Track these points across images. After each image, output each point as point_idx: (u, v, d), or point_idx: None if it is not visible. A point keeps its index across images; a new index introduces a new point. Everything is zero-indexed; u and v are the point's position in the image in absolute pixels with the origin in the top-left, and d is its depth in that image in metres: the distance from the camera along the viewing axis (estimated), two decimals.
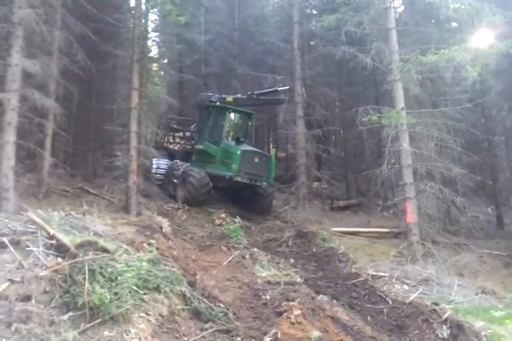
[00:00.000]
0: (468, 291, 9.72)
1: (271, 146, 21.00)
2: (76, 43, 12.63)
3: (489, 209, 22.14)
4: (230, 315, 6.07)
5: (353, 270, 10.04)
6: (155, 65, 22.79)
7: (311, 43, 21.13)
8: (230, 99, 17.23)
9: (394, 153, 12.30)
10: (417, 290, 9.16)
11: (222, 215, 13.66)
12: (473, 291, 9.76)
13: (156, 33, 24.91)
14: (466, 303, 8.87)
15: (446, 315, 7.23)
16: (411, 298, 8.21)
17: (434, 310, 7.45)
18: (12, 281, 4.97)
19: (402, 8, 17.84)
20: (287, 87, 17.43)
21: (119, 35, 17.00)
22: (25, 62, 10.35)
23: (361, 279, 9.20)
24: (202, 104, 17.39)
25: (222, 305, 6.26)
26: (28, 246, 5.55)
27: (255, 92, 17.40)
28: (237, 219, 13.59)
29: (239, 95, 17.76)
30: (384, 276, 9.96)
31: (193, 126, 17.52)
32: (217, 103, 16.86)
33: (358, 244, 13.38)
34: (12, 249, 5.52)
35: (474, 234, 14.88)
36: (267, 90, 17.71)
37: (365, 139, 21.03)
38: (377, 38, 13.16)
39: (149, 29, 19.64)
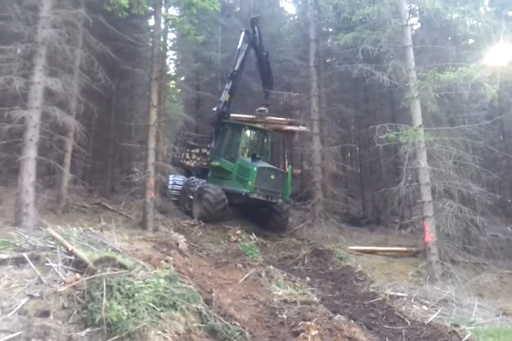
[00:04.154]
0: (489, 312, 9.46)
1: (286, 163, 21.02)
2: (97, 62, 12.90)
3: (509, 228, 21.67)
4: (247, 334, 6.01)
5: (371, 289, 9.88)
6: (173, 82, 23.18)
7: (327, 61, 21.24)
8: (227, 97, 17.55)
9: (411, 170, 12.19)
10: (436, 311, 8.94)
11: (238, 232, 13.63)
12: (493, 312, 9.50)
13: (174, 52, 25.44)
14: (486, 325, 8.62)
15: (466, 337, 7.07)
16: (430, 319, 8.03)
17: (454, 331, 7.29)
18: (31, 297, 5.01)
19: (419, 25, 17.94)
20: (258, 15, 18.13)
21: (138, 53, 17.39)
22: (47, 80, 10.63)
23: (379, 299, 9.06)
24: (214, 120, 17.60)
25: (238, 324, 6.21)
26: (47, 262, 5.59)
27: (233, 71, 17.72)
28: (253, 236, 13.57)
29: (226, 86, 18.01)
30: (402, 296, 9.76)
31: (213, 143, 17.69)
32: (225, 110, 17.29)
33: (376, 262, 13.19)
34: (32, 264, 5.57)
35: (494, 253, 14.57)
36: (236, 58, 17.89)
37: (381, 156, 20.92)
38: (394, 56, 13.17)
39: (167, 48, 20.00)
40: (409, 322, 7.85)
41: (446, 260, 11.62)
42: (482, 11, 14.54)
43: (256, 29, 17.73)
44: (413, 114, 12.17)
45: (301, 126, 18.14)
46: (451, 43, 15.45)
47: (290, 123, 18.31)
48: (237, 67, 17.73)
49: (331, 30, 21.83)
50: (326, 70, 19.74)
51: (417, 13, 16.50)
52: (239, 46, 17.89)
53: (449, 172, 12.01)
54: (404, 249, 14.92)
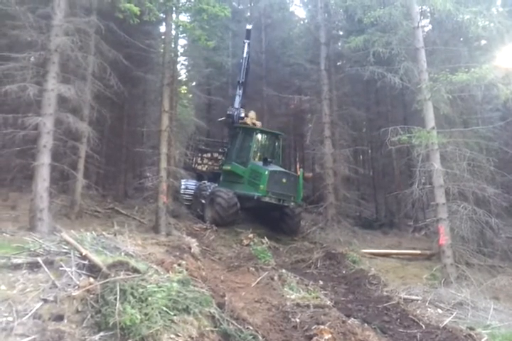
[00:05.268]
0: (505, 316, 9.28)
1: (298, 166, 21.01)
2: (109, 68, 13.06)
3: None
4: (260, 337, 5.98)
5: (385, 293, 9.78)
6: (184, 87, 23.34)
7: (338, 64, 21.23)
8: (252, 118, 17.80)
9: (425, 173, 12.07)
10: (452, 314, 8.81)
11: (250, 236, 13.64)
12: (510, 316, 9.31)
13: (185, 57, 25.64)
14: (503, 328, 8.46)
15: None
16: (445, 323, 7.94)
17: (470, 335, 7.20)
18: (45, 301, 5.05)
19: (430, 27, 17.84)
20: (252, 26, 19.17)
21: (149, 60, 17.57)
22: (60, 87, 10.76)
23: (393, 302, 8.96)
24: (235, 124, 17.71)
25: (251, 328, 6.18)
26: (61, 266, 5.64)
27: (243, 79, 18.28)
28: (265, 240, 13.56)
29: (238, 92, 18.31)
30: (416, 300, 9.64)
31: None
32: (242, 115, 17.55)
33: (389, 266, 13.08)
34: (46, 268, 5.63)
35: (510, 255, 14.33)
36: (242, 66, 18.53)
37: (394, 159, 20.79)
38: (406, 58, 13.09)
39: (178, 53, 20.16)
40: (423, 326, 7.75)
41: (461, 263, 11.48)
42: (494, 11, 14.36)
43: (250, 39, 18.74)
44: (426, 115, 12.08)
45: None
46: (464, 44, 15.32)
47: None
48: (244, 75, 18.22)
49: (341, 33, 21.80)
50: (337, 73, 19.73)
51: (428, 14, 16.38)
52: (244, 55, 18.28)
53: (463, 174, 11.88)
54: (418, 251, 14.78)
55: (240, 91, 18.13)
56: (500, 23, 12.42)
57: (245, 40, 18.68)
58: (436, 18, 15.29)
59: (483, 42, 16.52)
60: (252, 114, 17.71)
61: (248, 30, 18.82)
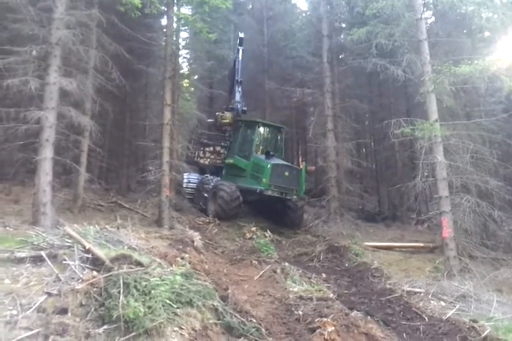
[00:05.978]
0: (509, 308, 9.28)
1: (300, 160, 21.01)
2: (111, 62, 12.99)
3: None
4: (263, 330, 6.02)
5: (388, 286, 9.79)
6: (186, 81, 23.27)
7: (341, 56, 21.11)
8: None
9: (428, 165, 12.04)
10: (455, 306, 8.82)
11: (253, 229, 13.65)
12: None
13: (187, 50, 25.51)
14: (506, 321, 8.45)
15: (485, 333, 6.96)
16: (448, 315, 7.94)
17: (473, 327, 7.19)
18: (49, 294, 5.07)
19: (433, 19, 17.69)
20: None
21: (151, 53, 17.50)
22: (62, 80, 10.72)
23: (396, 295, 8.97)
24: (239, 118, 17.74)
25: (254, 320, 6.22)
26: (64, 260, 5.66)
27: (240, 79, 18.22)
28: (268, 233, 13.57)
29: (237, 88, 18.29)
30: (419, 292, 9.65)
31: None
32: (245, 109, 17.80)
33: (392, 258, 13.09)
34: (50, 262, 5.65)
35: None
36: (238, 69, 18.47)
37: (397, 151, 20.74)
38: (409, 50, 13.02)
39: (180, 46, 20.09)
40: (426, 318, 7.77)
41: (464, 255, 11.48)
42: (498, 2, 14.21)
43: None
44: (429, 108, 12.02)
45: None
46: (467, 36, 15.20)
47: None
48: (240, 75, 18.32)
49: (343, 25, 21.66)
50: (340, 66, 19.65)
51: (431, 6, 16.24)
52: (239, 58, 18.25)
53: (466, 167, 11.85)
54: (421, 244, 14.80)
55: (239, 89, 18.12)
56: (504, 15, 12.33)
57: (239, 47, 18.81)
58: (440, 9, 15.15)
59: (487, 33, 16.41)
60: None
61: (241, 38, 18.86)
